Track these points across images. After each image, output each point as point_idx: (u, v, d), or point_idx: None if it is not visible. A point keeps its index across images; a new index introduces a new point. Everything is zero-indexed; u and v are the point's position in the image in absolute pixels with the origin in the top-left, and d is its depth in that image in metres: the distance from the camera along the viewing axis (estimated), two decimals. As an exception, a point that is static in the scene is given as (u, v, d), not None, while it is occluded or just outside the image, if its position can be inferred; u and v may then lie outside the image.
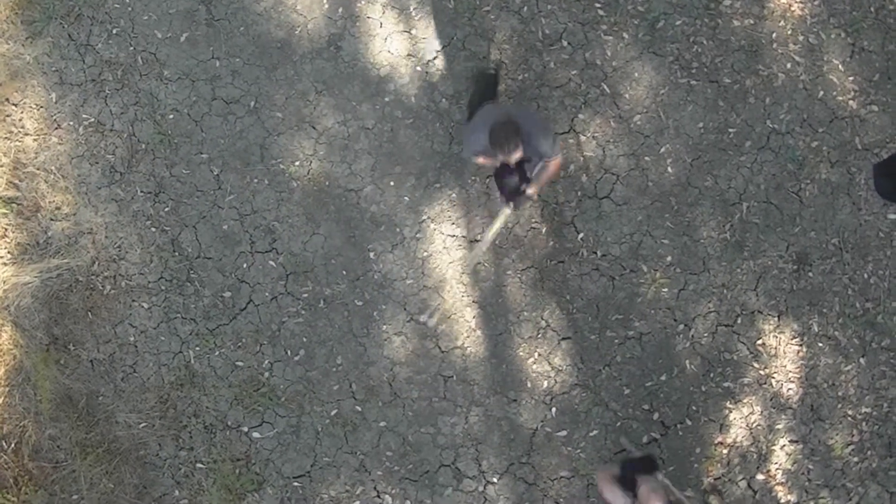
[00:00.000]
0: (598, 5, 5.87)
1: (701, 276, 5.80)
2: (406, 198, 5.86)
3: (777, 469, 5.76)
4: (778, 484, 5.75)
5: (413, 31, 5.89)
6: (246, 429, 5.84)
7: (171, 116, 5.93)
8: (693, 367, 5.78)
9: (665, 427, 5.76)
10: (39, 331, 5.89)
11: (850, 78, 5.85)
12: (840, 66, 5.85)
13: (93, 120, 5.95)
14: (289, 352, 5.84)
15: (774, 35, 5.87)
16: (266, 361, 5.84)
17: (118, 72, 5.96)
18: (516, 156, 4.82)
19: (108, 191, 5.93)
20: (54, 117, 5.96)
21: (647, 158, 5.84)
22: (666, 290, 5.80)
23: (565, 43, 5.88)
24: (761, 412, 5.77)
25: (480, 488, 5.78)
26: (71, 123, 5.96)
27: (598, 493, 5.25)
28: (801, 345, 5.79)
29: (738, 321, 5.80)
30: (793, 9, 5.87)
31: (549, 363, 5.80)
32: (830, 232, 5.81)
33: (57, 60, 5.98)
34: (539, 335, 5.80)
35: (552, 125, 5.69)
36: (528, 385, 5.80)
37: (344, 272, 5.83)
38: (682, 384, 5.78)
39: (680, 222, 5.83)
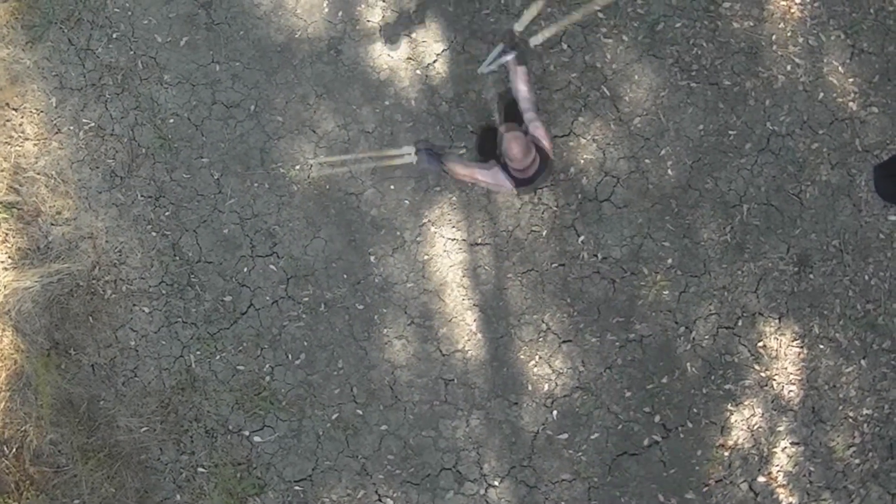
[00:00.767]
0: (597, 8, 5.87)
1: (702, 279, 5.80)
2: (406, 201, 5.86)
3: (778, 471, 5.76)
4: (779, 486, 5.75)
5: (412, 35, 5.89)
6: (247, 433, 5.84)
7: (172, 121, 5.93)
8: (694, 370, 5.78)
9: (666, 430, 5.76)
10: (40, 335, 5.89)
11: (850, 79, 5.85)
12: (840, 68, 5.86)
13: (93, 124, 5.95)
14: (290, 356, 5.84)
15: (774, 37, 5.87)
16: (267, 365, 5.84)
17: (118, 76, 5.96)
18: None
19: (108, 195, 5.93)
20: (54, 122, 5.97)
21: (647, 161, 5.84)
22: (667, 292, 5.80)
23: (565, 46, 5.88)
24: (762, 414, 5.77)
25: (482, 491, 5.77)
26: (71, 128, 5.96)
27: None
28: (802, 347, 5.79)
29: (739, 323, 5.80)
30: (792, 11, 5.88)
31: (550, 366, 5.80)
32: (831, 234, 5.81)
33: (57, 65, 5.98)
34: (540, 338, 5.80)
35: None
36: (529, 388, 5.79)
37: (345, 276, 5.83)
38: (683, 386, 5.78)
39: (680, 225, 5.83)
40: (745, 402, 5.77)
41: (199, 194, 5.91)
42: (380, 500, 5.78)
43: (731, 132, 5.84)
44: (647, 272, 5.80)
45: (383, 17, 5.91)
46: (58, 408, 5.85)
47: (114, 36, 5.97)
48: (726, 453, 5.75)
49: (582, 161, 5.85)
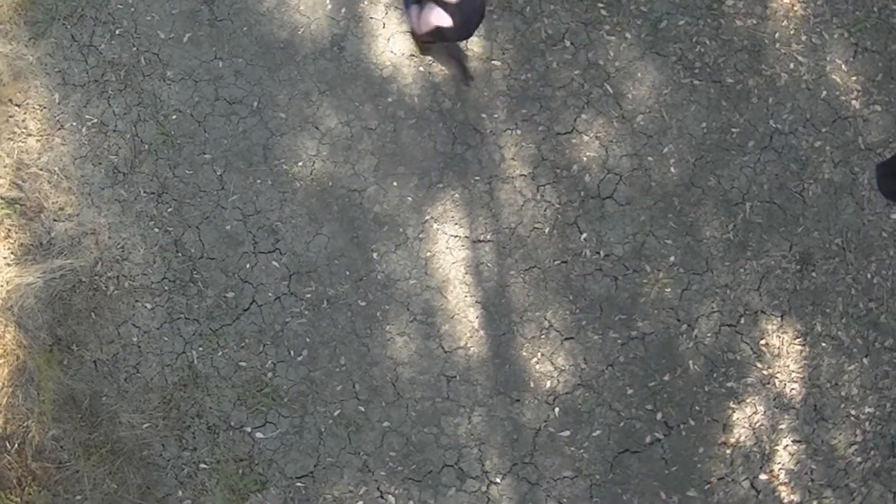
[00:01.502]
0: (600, 5, 5.88)
1: (704, 276, 5.81)
2: (409, 198, 5.86)
3: (780, 469, 5.76)
4: (781, 484, 5.75)
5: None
6: (249, 429, 5.84)
7: (174, 117, 5.93)
8: (696, 367, 5.78)
9: (668, 427, 5.76)
10: (43, 331, 5.89)
11: (853, 78, 5.85)
12: (843, 66, 5.86)
13: (96, 121, 5.96)
14: (292, 352, 5.84)
15: (777, 35, 5.87)
16: (269, 362, 5.84)
17: (121, 72, 5.96)
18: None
19: (111, 191, 5.93)
20: (57, 118, 5.97)
21: (649, 158, 5.84)
22: (669, 290, 5.80)
23: (568, 43, 5.89)
24: (764, 412, 5.77)
25: (483, 488, 5.78)
26: (74, 124, 5.96)
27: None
28: (804, 345, 5.79)
29: (742, 321, 5.80)
30: (795, 9, 5.88)
31: (553, 363, 5.80)
32: (834, 232, 5.81)
33: (60, 61, 5.99)
34: (542, 335, 5.80)
35: None
36: (532, 385, 5.80)
37: (347, 272, 5.84)
38: (685, 384, 5.78)
39: (683, 222, 5.83)
40: (747, 400, 5.77)
41: (201, 190, 5.91)
42: (382, 497, 5.78)
43: (733, 130, 5.84)
44: (649, 270, 5.80)
45: (386, 13, 5.91)
46: (60, 404, 5.86)
47: (117, 32, 5.98)
48: (728, 451, 5.76)
49: (585, 158, 5.85)
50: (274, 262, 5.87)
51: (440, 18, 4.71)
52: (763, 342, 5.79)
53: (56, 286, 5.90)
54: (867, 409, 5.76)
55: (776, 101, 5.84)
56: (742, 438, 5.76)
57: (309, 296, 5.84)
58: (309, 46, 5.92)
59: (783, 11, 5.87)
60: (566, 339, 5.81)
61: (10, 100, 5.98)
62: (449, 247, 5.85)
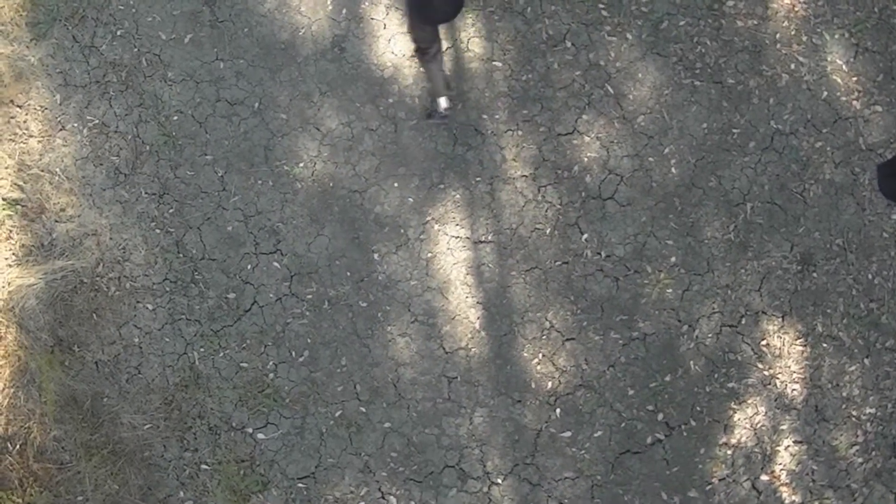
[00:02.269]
0: (601, 6, 5.88)
1: (705, 277, 5.81)
2: (410, 199, 5.87)
3: (781, 470, 5.76)
4: (782, 485, 5.75)
5: (417, 33, 5.90)
6: (250, 430, 5.85)
7: (176, 118, 5.94)
8: (697, 368, 5.78)
9: (669, 428, 5.76)
10: (44, 332, 5.90)
11: (854, 78, 5.85)
12: (844, 67, 5.86)
13: (97, 122, 5.96)
14: (293, 353, 5.84)
15: (778, 35, 5.87)
16: (270, 363, 5.84)
17: (122, 73, 5.96)
18: None
19: (112, 192, 5.94)
20: (59, 119, 5.97)
21: (650, 159, 5.85)
22: (670, 290, 5.80)
23: (569, 44, 5.89)
24: (765, 413, 5.77)
25: (485, 489, 5.78)
26: (75, 125, 5.97)
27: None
28: (805, 345, 5.79)
29: (743, 322, 5.80)
30: (796, 9, 5.88)
31: (554, 364, 5.80)
32: (835, 232, 5.81)
33: (61, 62, 5.99)
34: (543, 336, 5.80)
35: None
36: (533, 386, 5.80)
37: (348, 273, 5.84)
38: (686, 385, 5.78)
39: (684, 223, 5.83)
40: (749, 401, 5.77)
41: (202, 191, 5.91)
42: (383, 498, 5.79)
43: (734, 130, 5.84)
44: (650, 270, 5.80)
45: (387, 14, 5.91)
46: (61, 405, 5.86)
47: (118, 33, 5.98)
48: (729, 452, 5.76)
49: (585, 159, 5.85)
50: (275, 263, 5.87)
51: None
52: (764, 343, 5.79)
53: (57, 287, 5.90)
54: (868, 410, 5.76)
55: (777, 102, 5.84)
56: (743, 439, 5.76)
57: (310, 297, 5.84)
58: (310, 47, 5.92)
59: (784, 12, 5.87)
60: (567, 339, 5.81)
61: (12, 101, 5.99)
62: (450, 248, 5.85)
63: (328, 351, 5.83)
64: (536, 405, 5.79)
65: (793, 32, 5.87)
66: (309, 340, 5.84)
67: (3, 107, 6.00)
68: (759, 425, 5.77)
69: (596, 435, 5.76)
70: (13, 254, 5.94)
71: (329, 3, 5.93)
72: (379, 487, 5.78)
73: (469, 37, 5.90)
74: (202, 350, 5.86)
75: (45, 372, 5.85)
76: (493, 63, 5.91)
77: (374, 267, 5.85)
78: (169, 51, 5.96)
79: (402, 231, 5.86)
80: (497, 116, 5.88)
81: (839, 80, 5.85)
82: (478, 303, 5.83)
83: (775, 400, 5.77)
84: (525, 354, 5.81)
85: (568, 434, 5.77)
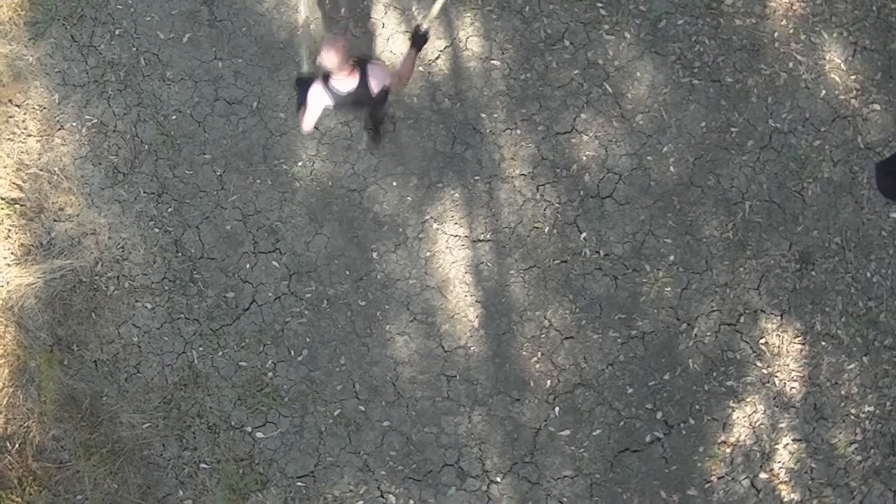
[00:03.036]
0: (599, 5, 5.88)
1: (704, 276, 5.81)
2: (409, 198, 5.87)
3: (780, 468, 5.76)
4: (781, 483, 5.76)
5: (415, 32, 5.90)
6: (249, 429, 5.85)
7: (174, 117, 5.94)
8: (696, 366, 5.78)
9: (668, 426, 5.76)
10: (43, 331, 5.90)
11: (852, 77, 5.86)
12: (842, 65, 5.86)
13: (96, 121, 5.96)
14: (292, 352, 5.84)
15: (776, 34, 5.88)
16: (269, 361, 5.84)
17: (121, 73, 5.97)
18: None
19: (111, 192, 5.94)
20: (57, 118, 5.97)
21: (649, 158, 5.85)
22: (669, 289, 5.80)
23: (567, 43, 5.89)
24: (764, 411, 5.77)
25: (484, 487, 5.78)
26: (74, 124, 5.97)
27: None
28: (803, 344, 5.79)
29: (741, 320, 5.80)
30: (794, 8, 5.88)
31: (553, 362, 5.80)
32: (833, 231, 5.81)
33: (60, 62, 6.00)
34: (542, 334, 5.81)
35: None
36: (532, 384, 5.80)
37: (347, 272, 5.84)
38: (685, 383, 5.78)
39: (682, 221, 5.83)
40: (747, 399, 5.77)
41: (201, 191, 5.92)
42: (382, 496, 5.79)
43: (733, 129, 5.85)
44: (648, 269, 5.81)
45: (385, 13, 5.91)
46: (60, 404, 5.86)
47: (116, 32, 5.98)
48: (728, 450, 5.76)
49: (584, 158, 5.86)
50: (274, 262, 5.87)
51: (321, 100, 4.89)
52: (763, 341, 5.79)
53: (56, 286, 5.90)
54: (867, 408, 5.76)
55: (775, 101, 5.85)
56: (742, 437, 5.76)
57: (309, 295, 5.85)
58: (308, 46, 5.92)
59: (782, 10, 5.87)
60: (566, 338, 5.81)
61: (10, 100, 5.99)
62: (448, 246, 5.85)
63: (327, 350, 5.83)
64: (535, 404, 5.79)
65: (791, 31, 5.88)
66: (308, 339, 5.84)
67: (2, 106, 6.00)
68: (757, 423, 5.77)
69: (595, 433, 5.77)
70: (12, 253, 5.94)
71: (327, 2, 5.93)
72: (378, 486, 5.79)
73: (467, 36, 5.91)
74: (201, 349, 5.87)
75: (44, 371, 5.85)
76: (492, 62, 5.91)
77: (372, 266, 5.86)
78: (167, 50, 5.96)
79: (400, 230, 5.86)
80: (495, 115, 5.88)
81: (837, 79, 5.85)
82: (476, 301, 5.83)
83: (774, 398, 5.77)
84: (524, 353, 5.81)
85: (567, 432, 5.77)
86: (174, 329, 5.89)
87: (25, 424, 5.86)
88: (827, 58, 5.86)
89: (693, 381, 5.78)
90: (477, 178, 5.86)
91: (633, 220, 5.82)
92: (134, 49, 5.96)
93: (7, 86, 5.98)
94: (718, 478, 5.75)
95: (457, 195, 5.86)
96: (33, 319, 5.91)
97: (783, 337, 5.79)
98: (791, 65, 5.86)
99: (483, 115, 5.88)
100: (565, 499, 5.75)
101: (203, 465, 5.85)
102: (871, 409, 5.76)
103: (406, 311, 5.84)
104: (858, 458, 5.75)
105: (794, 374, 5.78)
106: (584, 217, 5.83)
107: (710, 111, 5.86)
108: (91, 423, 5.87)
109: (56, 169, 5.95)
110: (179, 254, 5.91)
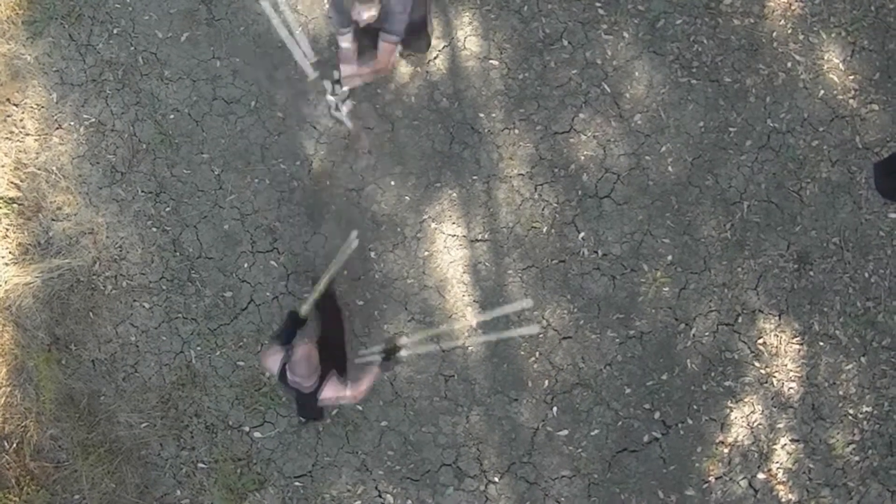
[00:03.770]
0: (598, 5, 5.88)
1: (702, 276, 5.81)
2: (407, 197, 5.87)
3: (778, 468, 5.76)
4: (779, 483, 5.76)
5: (413, 31, 5.90)
6: (247, 428, 5.85)
7: (172, 116, 5.94)
8: (694, 366, 5.78)
9: (666, 426, 5.76)
10: (41, 331, 5.90)
11: (851, 77, 5.85)
12: (840, 65, 5.86)
13: (94, 120, 5.96)
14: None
15: (775, 34, 5.87)
16: (267, 361, 5.84)
17: (119, 72, 5.96)
18: (367, 15, 4.73)
19: (109, 191, 5.94)
20: (55, 117, 5.97)
21: (647, 158, 5.85)
22: (667, 289, 5.80)
23: (566, 42, 5.89)
24: (762, 411, 5.77)
25: (482, 487, 5.78)
26: (72, 123, 5.96)
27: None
28: (801, 344, 5.79)
29: (739, 320, 5.80)
30: (793, 8, 5.88)
31: (550, 362, 5.80)
32: (831, 231, 5.81)
33: (58, 61, 5.99)
34: (540, 334, 5.80)
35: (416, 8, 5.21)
36: (529, 384, 5.80)
37: (345, 272, 5.83)
38: (683, 383, 5.78)
39: (681, 221, 5.83)
40: (745, 399, 5.77)
41: (199, 190, 5.91)
42: (380, 496, 5.79)
43: (731, 129, 5.84)
44: (647, 269, 5.80)
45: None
46: (58, 403, 5.86)
47: (114, 32, 5.98)
48: (726, 450, 5.76)
49: (582, 158, 5.85)
50: (272, 262, 5.87)
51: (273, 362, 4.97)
52: (761, 341, 5.79)
53: (54, 286, 5.90)
54: (865, 408, 5.76)
55: (774, 101, 5.84)
56: (740, 437, 5.76)
57: (307, 295, 5.83)
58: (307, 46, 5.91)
59: (780, 10, 5.87)
60: (564, 338, 5.81)
61: (8, 99, 5.99)
62: (447, 246, 5.85)
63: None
64: (533, 404, 5.79)
65: (789, 31, 5.87)
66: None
67: (0, 105, 6.00)
68: (755, 424, 5.77)
69: (593, 433, 5.77)
70: (10, 252, 5.93)
71: (325, 1, 5.92)
72: (376, 486, 5.78)
73: (466, 35, 5.90)
74: (199, 348, 5.86)
75: (41, 370, 5.85)
76: (490, 62, 5.91)
77: (370, 265, 5.85)
78: (165, 49, 5.96)
79: (398, 229, 5.86)
80: (494, 115, 5.88)
81: (836, 79, 5.85)
82: (475, 301, 5.83)
83: (772, 398, 5.77)
84: (522, 353, 5.81)
85: (565, 432, 5.77)
86: (172, 328, 5.89)
87: (23, 424, 5.86)
88: (825, 58, 5.86)
89: (691, 381, 5.78)
90: (475, 177, 5.86)
91: (631, 219, 5.82)
92: (132, 48, 5.96)
93: (5, 85, 5.98)
94: (716, 478, 5.75)
95: (455, 195, 5.86)
96: (31, 319, 5.91)
97: (781, 337, 5.79)
98: (789, 65, 5.86)
99: (481, 115, 5.88)
100: (563, 499, 5.75)
101: (201, 465, 5.85)
102: (869, 409, 5.76)
103: (404, 310, 5.83)
104: (856, 458, 5.75)
105: (791, 374, 5.78)
106: (583, 217, 5.82)
107: (709, 111, 5.85)
108: (89, 423, 5.87)
109: (54, 168, 5.95)
110: (177, 253, 5.90)
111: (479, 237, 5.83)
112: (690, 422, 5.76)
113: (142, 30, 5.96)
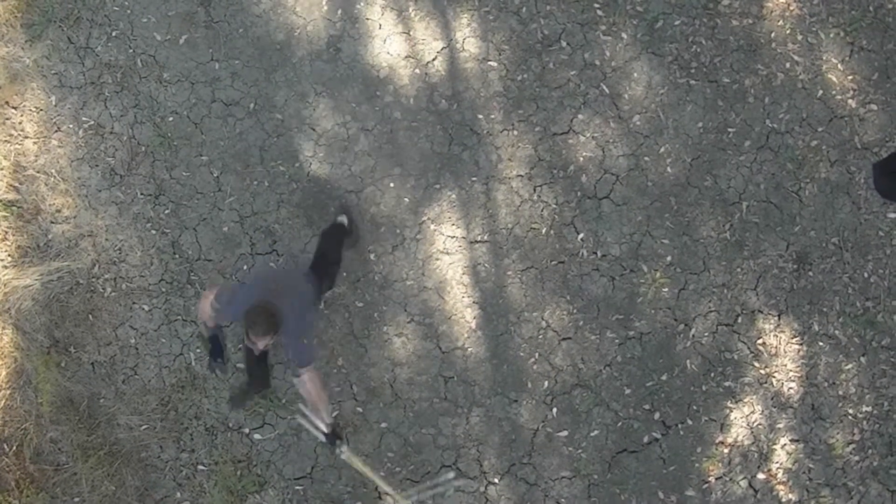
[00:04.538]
0: (596, 6, 5.88)
1: (701, 276, 5.81)
2: (406, 199, 5.87)
3: (778, 468, 5.76)
4: (779, 483, 5.76)
5: (412, 33, 5.90)
6: (247, 430, 5.85)
7: (171, 119, 5.94)
8: (694, 367, 5.78)
9: (666, 427, 5.76)
10: (40, 333, 5.90)
11: (849, 77, 5.86)
12: (839, 65, 5.86)
13: (92, 123, 5.96)
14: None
15: (773, 34, 5.88)
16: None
17: (118, 74, 5.96)
18: (262, 344, 4.63)
19: (108, 193, 5.94)
20: (54, 120, 5.97)
21: (646, 158, 5.85)
22: (666, 289, 5.80)
23: (564, 43, 5.89)
24: (762, 411, 5.77)
25: (482, 489, 5.78)
26: (71, 126, 5.96)
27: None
28: (801, 344, 5.79)
29: (739, 320, 5.80)
30: (791, 8, 5.88)
31: (550, 363, 5.80)
32: (830, 231, 5.81)
33: (56, 63, 5.99)
34: (539, 335, 5.81)
35: (314, 330, 5.32)
36: (529, 385, 5.80)
37: (344, 273, 5.83)
38: (682, 384, 5.78)
39: (680, 222, 5.83)
40: (745, 400, 5.77)
41: (198, 192, 5.91)
42: (380, 498, 5.78)
43: (730, 129, 5.85)
44: (646, 269, 5.81)
45: (382, 14, 5.91)
46: (58, 406, 5.86)
47: (113, 34, 5.98)
48: (726, 450, 5.76)
49: (581, 159, 5.86)
50: (271, 264, 5.87)
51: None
52: (760, 341, 5.79)
53: (53, 288, 5.90)
54: (865, 408, 5.76)
55: (772, 101, 5.85)
56: (740, 438, 5.76)
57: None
58: (305, 48, 5.92)
59: (779, 11, 5.88)
60: (563, 339, 5.81)
61: (7, 102, 5.98)
62: (446, 247, 5.85)
63: (324, 351, 5.82)
64: (533, 405, 5.79)
65: (788, 31, 5.88)
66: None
67: (-1, 108, 6.00)
68: (755, 424, 5.77)
69: (592, 434, 5.77)
70: (9, 255, 5.93)
71: (324, 3, 5.93)
72: (376, 487, 5.78)
73: (464, 37, 5.90)
74: (198, 351, 5.86)
75: (41, 373, 5.85)
76: (489, 63, 5.91)
77: (370, 267, 5.85)
78: (164, 52, 5.96)
79: (398, 231, 5.86)
80: (492, 116, 5.88)
81: (834, 79, 5.85)
82: (474, 302, 5.83)
83: (772, 398, 5.78)
84: (521, 354, 5.81)
85: (564, 433, 5.77)
86: (171, 331, 5.89)
87: (22, 427, 5.85)
88: (824, 58, 5.87)
89: (691, 381, 5.78)
90: (474, 179, 5.86)
91: (630, 220, 5.82)
92: (131, 51, 5.96)
93: (3, 87, 5.98)
94: (716, 478, 5.75)
95: (454, 196, 5.86)
96: (30, 321, 5.91)
97: (781, 337, 5.79)
98: (788, 65, 5.87)
99: (480, 116, 5.88)
100: (563, 500, 5.75)
101: (201, 467, 5.85)
102: (869, 409, 5.76)
103: (404, 312, 5.84)
104: (856, 458, 5.75)
105: (791, 374, 5.78)
106: (582, 218, 5.83)
107: (707, 112, 5.86)
108: (88, 426, 5.87)
109: (53, 171, 5.95)
110: (177, 255, 5.90)
111: (479, 238, 5.83)
112: (690, 422, 5.76)
113: (140, 32, 5.96)
